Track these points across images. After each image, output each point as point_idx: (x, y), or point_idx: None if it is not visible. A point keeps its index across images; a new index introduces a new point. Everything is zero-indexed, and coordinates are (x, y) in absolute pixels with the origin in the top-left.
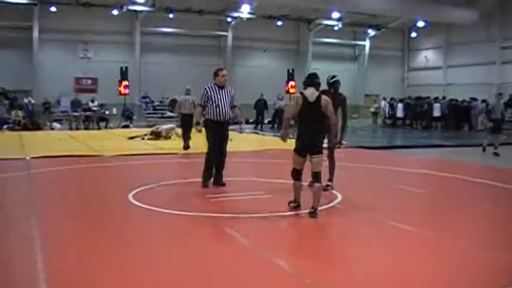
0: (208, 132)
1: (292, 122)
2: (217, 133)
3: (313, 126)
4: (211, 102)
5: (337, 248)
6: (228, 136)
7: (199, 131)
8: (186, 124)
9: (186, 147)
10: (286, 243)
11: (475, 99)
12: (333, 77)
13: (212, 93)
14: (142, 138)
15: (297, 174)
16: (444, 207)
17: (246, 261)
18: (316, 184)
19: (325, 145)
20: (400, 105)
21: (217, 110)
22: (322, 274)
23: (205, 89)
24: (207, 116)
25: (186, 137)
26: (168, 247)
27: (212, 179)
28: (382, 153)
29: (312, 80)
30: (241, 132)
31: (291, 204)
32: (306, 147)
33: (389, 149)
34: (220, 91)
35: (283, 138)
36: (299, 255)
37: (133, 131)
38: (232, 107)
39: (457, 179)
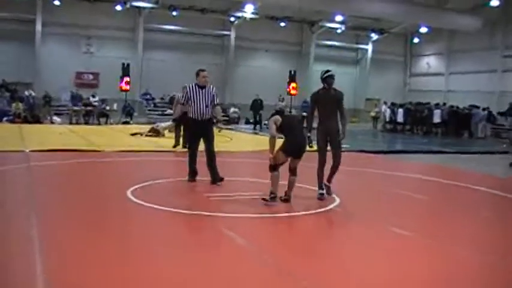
0: (189, 130)
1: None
2: (197, 131)
3: (299, 130)
4: (191, 102)
5: (334, 250)
6: (211, 135)
7: (173, 128)
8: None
9: (176, 145)
10: (283, 244)
11: (476, 106)
12: (326, 71)
13: (192, 93)
14: (141, 135)
15: (275, 167)
16: (442, 213)
17: (243, 262)
18: (292, 177)
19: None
20: (400, 110)
21: (196, 108)
22: (318, 276)
23: (186, 88)
24: (188, 114)
25: (185, 135)
26: (166, 246)
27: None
28: (381, 158)
29: (281, 111)
30: (220, 130)
31: (268, 197)
32: (295, 152)
33: (389, 154)
34: (201, 91)
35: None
36: (296, 257)
37: (134, 127)
38: (214, 105)
39: (456, 186)
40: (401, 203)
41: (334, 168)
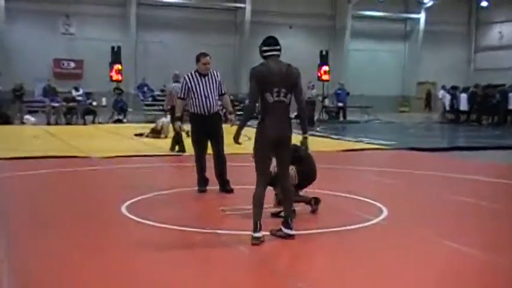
0: (193, 129)
1: None
2: (203, 129)
3: None
4: (192, 94)
5: (380, 275)
6: (220, 133)
7: (179, 129)
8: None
9: (181, 149)
10: (319, 268)
11: None
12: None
13: (193, 83)
14: (141, 135)
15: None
16: None
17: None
18: None
19: None
20: (463, 96)
21: (200, 101)
22: None
23: (185, 78)
24: (189, 109)
25: (179, 137)
26: (170, 273)
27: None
28: (439, 157)
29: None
30: (232, 124)
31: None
32: None
33: (448, 151)
34: (203, 79)
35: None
36: (334, 284)
37: (129, 126)
38: (221, 94)
39: None
40: (463, 212)
41: (286, 194)
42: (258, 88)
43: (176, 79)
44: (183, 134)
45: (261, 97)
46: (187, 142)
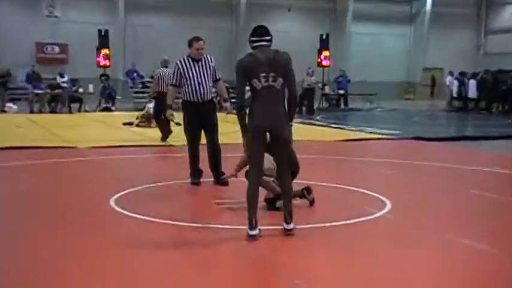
0: (185, 117)
1: None
2: (196, 117)
3: None
4: (185, 80)
5: (385, 273)
6: (214, 121)
7: (170, 117)
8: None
9: (165, 137)
10: (319, 265)
11: None
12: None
13: (185, 68)
14: (130, 124)
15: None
16: None
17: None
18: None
19: None
20: (472, 82)
21: (193, 88)
22: None
23: (177, 64)
24: (182, 97)
25: (165, 123)
26: (163, 271)
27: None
28: (446, 147)
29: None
30: (227, 113)
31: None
32: None
33: (456, 141)
34: (196, 65)
35: None
36: (335, 282)
37: (119, 115)
38: (215, 81)
39: None
40: (473, 205)
41: (286, 193)
42: (244, 81)
43: (165, 64)
44: (173, 123)
45: (250, 85)
46: (176, 130)
